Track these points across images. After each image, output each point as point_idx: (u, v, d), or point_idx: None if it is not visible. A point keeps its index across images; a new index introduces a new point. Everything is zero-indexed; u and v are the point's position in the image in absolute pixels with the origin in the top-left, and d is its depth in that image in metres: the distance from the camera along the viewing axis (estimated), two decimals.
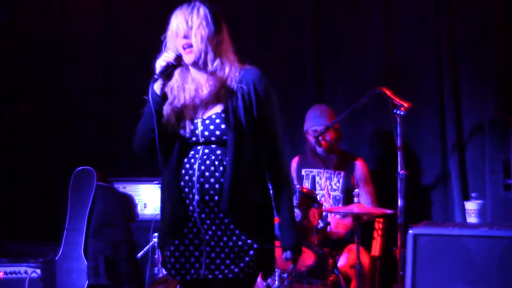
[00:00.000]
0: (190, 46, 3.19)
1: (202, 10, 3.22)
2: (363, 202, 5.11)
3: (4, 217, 7.02)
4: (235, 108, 3.17)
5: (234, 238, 3.16)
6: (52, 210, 6.84)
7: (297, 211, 4.61)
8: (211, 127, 3.18)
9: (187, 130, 3.21)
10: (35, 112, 7.07)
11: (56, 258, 6.15)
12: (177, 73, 3.24)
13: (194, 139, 3.21)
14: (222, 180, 3.13)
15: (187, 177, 3.18)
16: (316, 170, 5.39)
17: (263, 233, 3.21)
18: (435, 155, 5.60)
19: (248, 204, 3.15)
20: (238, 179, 3.12)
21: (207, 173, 3.15)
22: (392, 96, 4.82)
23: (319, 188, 5.32)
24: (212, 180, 3.15)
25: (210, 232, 3.17)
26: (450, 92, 5.50)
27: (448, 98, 5.52)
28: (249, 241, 3.15)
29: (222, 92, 3.21)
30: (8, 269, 5.90)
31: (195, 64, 3.22)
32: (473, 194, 5.03)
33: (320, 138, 5.23)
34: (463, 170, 5.47)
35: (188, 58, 3.20)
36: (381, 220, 5.24)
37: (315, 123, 5.32)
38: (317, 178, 5.36)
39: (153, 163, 3.39)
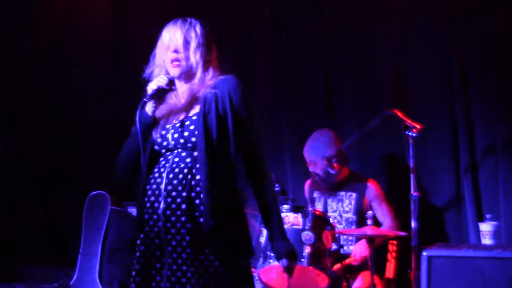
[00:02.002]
0: (179, 60, 3.21)
1: (198, 28, 3.26)
2: (383, 221, 5.09)
3: (19, 242, 7.05)
4: (207, 112, 3.14)
5: (199, 248, 3.08)
6: (67, 234, 6.87)
7: (310, 234, 4.60)
8: (181, 129, 3.18)
9: (158, 135, 3.21)
10: (49, 136, 7.13)
11: (71, 282, 6.17)
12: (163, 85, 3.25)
13: (164, 143, 3.21)
14: (188, 187, 3.09)
15: (154, 186, 3.17)
16: (328, 192, 5.37)
17: (230, 248, 3.12)
18: (448, 176, 5.57)
19: (218, 212, 3.06)
20: (205, 185, 3.05)
21: (175, 181, 3.13)
22: (404, 117, 4.81)
23: (331, 210, 5.31)
24: (179, 187, 3.11)
25: (173, 243, 3.11)
26: (462, 112, 5.49)
27: (460, 118, 5.50)
28: (211, 256, 3.08)
29: (196, 99, 3.22)
30: None
31: (179, 77, 3.25)
32: (487, 216, 5.00)
33: (332, 161, 5.22)
34: (476, 191, 5.43)
35: (173, 71, 3.23)
36: (395, 242, 5.21)
37: (322, 152, 5.26)
38: (329, 200, 5.35)
39: None
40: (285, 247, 3.22)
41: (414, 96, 5.71)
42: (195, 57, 3.22)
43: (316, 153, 5.29)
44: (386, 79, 5.82)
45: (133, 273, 3.20)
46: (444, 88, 5.60)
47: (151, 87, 3.20)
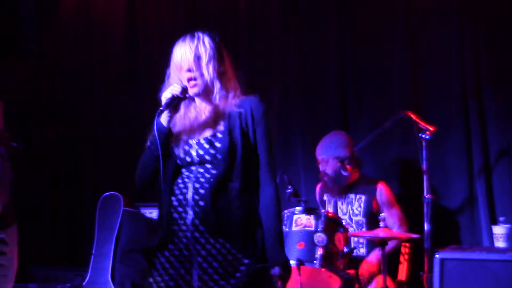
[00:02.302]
0: (195, 79, 3.22)
1: (207, 41, 3.24)
2: (391, 225, 5.08)
3: (32, 243, 7.07)
4: (231, 129, 3.18)
5: (230, 257, 3.13)
6: (79, 235, 6.89)
7: (322, 236, 4.60)
8: (206, 146, 3.20)
9: (181, 151, 3.22)
10: (62, 136, 7.16)
11: (84, 283, 6.18)
12: (182, 104, 3.28)
13: (188, 160, 3.22)
14: (215, 198, 3.13)
15: (181, 196, 3.18)
16: (338, 194, 5.36)
17: (254, 250, 3.17)
18: (462, 179, 5.55)
19: (243, 222, 3.15)
20: (230, 196, 3.13)
21: (201, 191, 3.16)
22: (417, 120, 4.80)
23: (341, 213, 5.30)
24: (206, 198, 3.14)
25: (203, 253, 3.15)
26: (475, 114, 5.47)
27: (473, 121, 5.48)
28: (241, 267, 3.14)
29: (220, 116, 3.24)
30: None
31: (199, 95, 3.26)
32: (501, 218, 4.98)
33: (345, 162, 5.21)
34: (490, 194, 5.41)
35: (192, 91, 3.24)
36: (407, 244, 5.20)
37: (336, 152, 5.26)
38: (339, 203, 5.34)
39: None
40: (280, 255, 3.22)
41: (427, 98, 5.69)
42: (208, 72, 3.21)
43: (329, 152, 5.29)
44: (399, 82, 5.80)
45: (162, 285, 3.20)
46: (457, 90, 5.58)
47: (165, 96, 3.20)
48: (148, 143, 3.28)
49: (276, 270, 3.22)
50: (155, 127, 3.18)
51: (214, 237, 3.14)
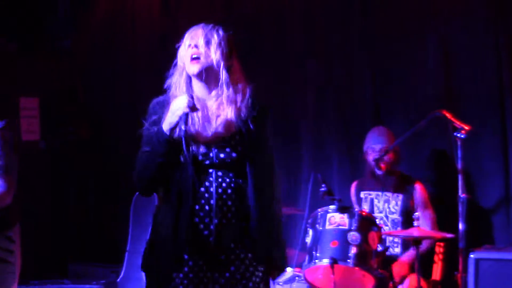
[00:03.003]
0: (198, 58, 3.17)
1: (221, 32, 3.23)
2: (422, 227, 5.07)
3: (67, 239, 7.15)
4: (247, 133, 3.19)
5: (248, 261, 3.18)
6: (114, 232, 6.95)
7: (356, 234, 4.59)
8: (225, 149, 3.18)
9: (200, 153, 3.18)
10: (96, 134, 7.23)
11: (118, 280, 6.23)
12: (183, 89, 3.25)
13: (207, 162, 3.18)
14: (237, 202, 3.15)
15: (203, 201, 3.15)
16: (375, 192, 5.35)
17: (275, 258, 3.25)
18: (497, 178, 5.50)
19: (265, 224, 3.18)
20: (253, 199, 3.15)
21: (224, 196, 3.15)
22: (452, 119, 4.76)
23: (377, 211, 5.29)
24: (229, 202, 3.14)
25: (222, 257, 3.16)
26: (511, 113, 5.43)
27: (509, 120, 5.43)
28: (260, 267, 3.20)
29: (234, 119, 3.21)
30: None
31: (199, 76, 3.19)
32: None
33: (379, 161, 5.21)
34: None
35: (193, 69, 3.18)
36: (441, 244, 5.17)
37: (374, 142, 5.31)
38: (375, 201, 5.33)
39: None
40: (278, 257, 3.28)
41: (462, 97, 5.65)
42: (215, 55, 3.17)
43: (367, 144, 5.34)
44: (434, 80, 5.77)
45: (185, 281, 3.18)
46: (493, 87, 5.53)
47: (169, 122, 3.13)
48: (148, 148, 3.26)
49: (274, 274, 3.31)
50: (156, 138, 3.17)
51: (235, 243, 3.17)
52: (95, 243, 7.10)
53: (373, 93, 6.06)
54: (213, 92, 3.23)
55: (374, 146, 5.28)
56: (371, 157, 5.30)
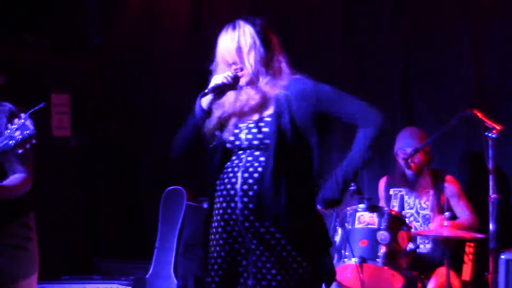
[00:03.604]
0: (242, 70, 3.19)
1: (248, 30, 3.20)
2: (461, 216, 5.04)
3: (97, 235, 7.20)
4: (280, 113, 3.14)
5: (279, 248, 3.12)
6: (143, 229, 6.98)
7: (385, 234, 4.58)
8: (254, 130, 3.18)
9: (231, 134, 3.21)
10: (125, 131, 7.28)
11: (147, 276, 6.26)
12: (231, 87, 3.25)
13: (237, 143, 3.20)
14: (265, 186, 3.10)
15: (229, 185, 3.17)
16: (405, 189, 5.32)
17: (310, 242, 3.17)
18: None
19: (294, 211, 3.12)
20: (280, 184, 3.09)
21: (250, 180, 3.13)
22: (483, 118, 4.72)
23: (408, 207, 5.26)
24: (255, 187, 3.12)
25: (255, 241, 3.14)
26: None
27: None
28: (294, 252, 3.12)
29: (268, 100, 3.21)
30: (101, 286, 6.03)
31: (248, 84, 3.22)
32: None
33: (409, 160, 5.18)
34: None
35: (241, 80, 3.21)
36: (472, 244, 5.13)
37: (404, 144, 5.28)
38: (406, 197, 5.30)
39: None
40: (329, 191, 3.18)
41: (494, 96, 5.61)
42: (250, 63, 3.17)
43: (397, 145, 5.30)
44: (465, 79, 5.73)
45: (220, 272, 3.22)
46: None
47: (215, 81, 3.18)
48: (187, 120, 3.30)
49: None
50: (196, 110, 3.20)
51: (264, 227, 3.13)
52: (123, 240, 7.14)
53: (404, 92, 6.04)
54: (255, 86, 3.25)
55: (405, 149, 5.24)
56: (401, 158, 5.27)
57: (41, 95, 6.61)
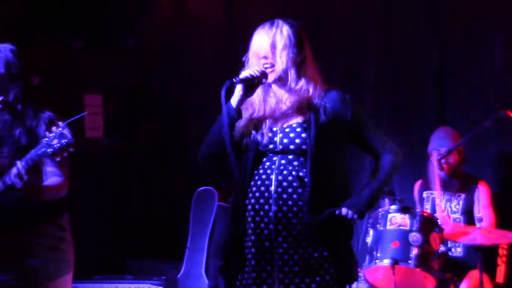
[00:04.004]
0: (272, 65, 3.19)
1: (285, 29, 3.20)
2: (482, 226, 5.00)
3: (128, 236, 7.24)
4: (317, 120, 3.15)
5: (310, 249, 3.13)
6: (175, 229, 7.01)
7: (417, 235, 4.55)
8: (291, 135, 3.18)
9: (265, 138, 3.19)
10: (157, 130, 7.31)
11: (178, 276, 6.28)
12: (259, 88, 3.24)
13: (271, 146, 3.19)
14: (300, 190, 3.11)
15: (263, 188, 3.16)
16: (437, 192, 5.29)
17: (341, 244, 3.18)
18: None
19: (328, 215, 3.11)
20: (317, 190, 3.10)
21: (284, 183, 3.13)
22: None
23: (439, 210, 5.23)
24: (290, 190, 3.12)
25: (285, 245, 3.13)
26: None
27: None
28: (325, 253, 3.13)
29: (304, 106, 3.20)
30: (133, 286, 6.06)
31: (276, 81, 3.22)
32: None
33: (442, 161, 5.15)
34: None
35: (269, 77, 3.20)
36: (505, 246, 5.09)
37: (438, 144, 5.25)
38: (437, 200, 5.27)
39: None
40: (357, 200, 3.16)
41: None
42: (282, 60, 3.17)
43: (431, 146, 5.27)
44: (499, 80, 5.68)
45: (245, 275, 3.22)
46: None
47: (244, 73, 3.17)
48: (218, 120, 3.27)
49: (342, 210, 3.13)
50: (224, 107, 3.16)
51: (297, 230, 3.13)
52: (155, 240, 7.17)
53: (437, 92, 6.00)
54: (286, 87, 3.24)
55: (439, 149, 5.21)
56: (435, 158, 5.23)
57: (74, 96, 6.67)
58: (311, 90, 3.21)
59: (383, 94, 6.28)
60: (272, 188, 3.14)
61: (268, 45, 3.18)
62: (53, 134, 3.22)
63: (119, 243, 7.14)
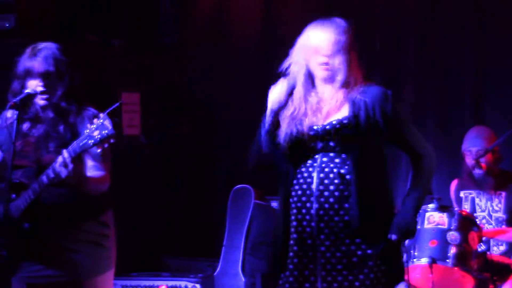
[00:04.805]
0: (327, 64, 3.20)
1: (345, 30, 3.22)
2: None
3: (165, 233, 7.27)
4: (358, 117, 3.14)
5: (353, 247, 3.12)
6: (211, 227, 7.03)
7: (456, 234, 4.52)
8: (331, 132, 3.18)
9: (306, 136, 3.20)
10: (195, 130, 7.33)
11: (215, 274, 6.29)
12: (300, 84, 3.26)
13: (312, 144, 3.20)
14: (341, 187, 3.11)
15: (305, 186, 3.17)
16: (475, 191, 5.24)
17: (386, 242, 3.15)
18: None
19: (371, 213, 3.11)
20: (360, 187, 3.10)
21: (326, 181, 3.13)
22: None
23: (479, 210, 5.18)
24: (331, 187, 3.12)
25: (327, 243, 3.13)
26: None
27: None
28: (369, 251, 3.11)
29: (345, 103, 3.20)
30: (170, 283, 6.09)
31: (324, 80, 3.23)
32: None
33: (481, 160, 5.09)
34: None
35: (321, 74, 3.21)
36: None
37: (471, 144, 5.19)
38: (477, 200, 5.22)
39: None
40: (403, 221, 3.15)
41: None
42: (340, 61, 3.19)
43: (465, 145, 5.20)
44: None
45: (287, 273, 3.22)
46: None
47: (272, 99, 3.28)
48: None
49: (393, 237, 3.12)
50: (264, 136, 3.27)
51: (338, 227, 3.13)
52: (192, 237, 7.19)
53: (475, 91, 5.96)
54: (330, 86, 3.25)
55: (471, 149, 5.16)
56: (468, 158, 5.19)
57: (112, 94, 6.72)
58: (353, 87, 3.21)
59: (419, 92, 6.25)
60: (314, 185, 3.15)
61: (330, 44, 3.19)
62: (94, 125, 3.25)
63: (156, 240, 7.17)
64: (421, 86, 6.24)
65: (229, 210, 6.45)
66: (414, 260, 4.57)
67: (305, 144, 3.22)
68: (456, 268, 4.50)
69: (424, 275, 4.59)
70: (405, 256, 4.65)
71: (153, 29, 7.32)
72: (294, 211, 3.20)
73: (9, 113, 3.76)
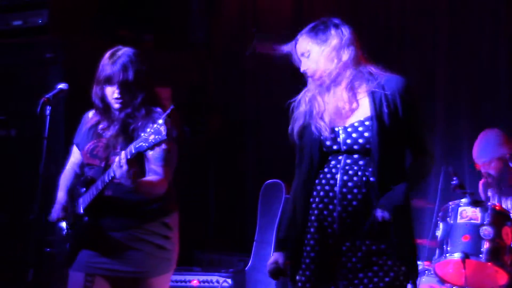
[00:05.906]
0: (317, 73, 3.23)
1: (345, 30, 3.24)
2: None
3: (197, 228, 7.30)
4: (379, 115, 3.11)
5: (374, 247, 3.09)
6: (243, 222, 7.04)
7: (489, 229, 4.48)
8: (354, 135, 3.14)
9: (328, 138, 3.17)
10: (226, 124, 7.35)
11: (246, 268, 6.30)
12: (313, 86, 3.26)
13: (335, 147, 3.17)
14: (364, 190, 3.09)
15: (327, 187, 3.15)
16: (502, 191, 5.17)
17: (406, 243, 3.13)
18: None
19: (393, 215, 3.06)
20: (384, 190, 3.07)
21: (350, 183, 3.11)
22: None
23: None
24: (355, 190, 3.10)
25: (348, 243, 3.12)
26: None
27: None
28: (388, 251, 3.09)
29: (363, 100, 3.17)
30: (201, 278, 6.11)
31: (329, 86, 3.22)
32: None
33: (510, 164, 4.99)
34: None
35: (317, 84, 3.24)
36: None
37: (480, 155, 5.11)
38: (503, 200, 5.15)
39: None
40: (386, 199, 3.09)
41: None
42: (342, 60, 3.19)
43: (489, 153, 5.09)
44: None
45: (307, 273, 3.22)
46: None
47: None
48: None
49: (378, 212, 3.07)
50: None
51: (361, 229, 3.11)
52: (224, 232, 7.22)
53: (510, 90, 5.93)
54: (343, 83, 3.21)
55: (499, 156, 5.06)
56: (493, 167, 5.09)
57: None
58: (366, 82, 3.19)
59: (454, 88, 6.22)
60: (337, 188, 3.13)
61: (307, 49, 3.26)
62: (151, 130, 3.29)
63: (188, 235, 7.19)
64: (455, 81, 6.21)
65: (260, 205, 6.45)
66: (447, 255, 4.54)
67: (328, 147, 3.19)
68: (489, 263, 4.47)
69: (456, 270, 4.57)
70: (437, 251, 4.64)
71: (185, 26, 7.34)
72: (316, 211, 3.18)
73: (91, 114, 3.92)
